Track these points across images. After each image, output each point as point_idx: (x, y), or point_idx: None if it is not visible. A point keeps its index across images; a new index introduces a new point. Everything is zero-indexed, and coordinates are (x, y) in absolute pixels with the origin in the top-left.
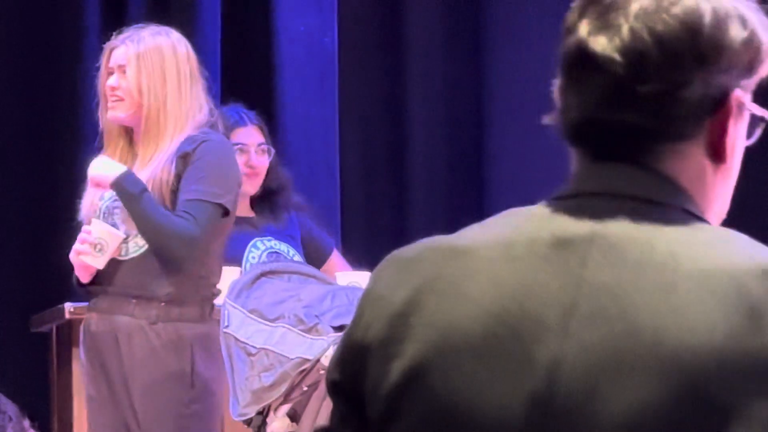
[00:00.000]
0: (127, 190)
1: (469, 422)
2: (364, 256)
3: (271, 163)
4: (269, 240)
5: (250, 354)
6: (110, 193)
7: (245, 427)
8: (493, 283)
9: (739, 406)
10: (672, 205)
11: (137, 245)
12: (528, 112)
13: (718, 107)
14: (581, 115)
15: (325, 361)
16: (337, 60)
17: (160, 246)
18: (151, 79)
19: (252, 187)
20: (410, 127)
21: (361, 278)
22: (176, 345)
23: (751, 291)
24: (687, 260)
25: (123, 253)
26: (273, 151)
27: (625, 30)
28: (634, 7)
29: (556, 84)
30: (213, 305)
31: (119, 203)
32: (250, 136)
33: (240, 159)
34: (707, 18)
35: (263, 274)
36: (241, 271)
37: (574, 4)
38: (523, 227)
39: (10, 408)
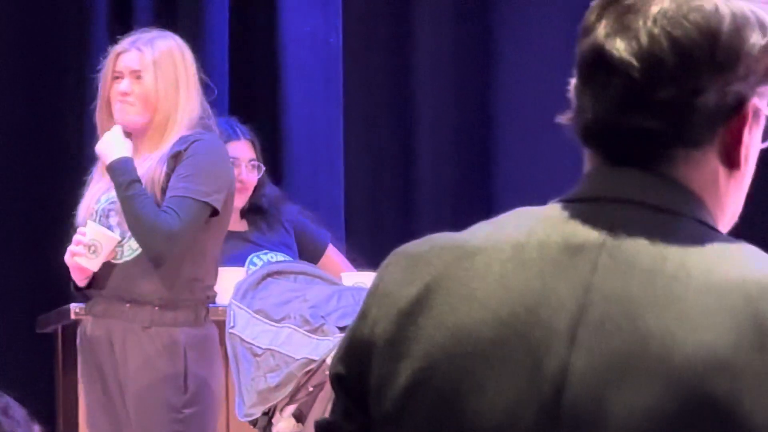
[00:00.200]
0: (117, 176)
1: (477, 428)
2: (369, 256)
3: (260, 180)
4: (265, 254)
5: (255, 354)
6: (106, 196)
7: (251, 428)
8: (502, 286)
9: (745, 420)
10: (684, 214)
11: (131, 248)
12: (535, 112)
13: (734, 114)
14: (596, 117)
15: (331, 361)
16: (342, 61)
17: (140, 238)
18: (167, 86)
19: (239, 201)
20: (416, 128)
21: (366, 279)
22: (170, 350)
23: (759, 307)
24: (697, 272)
25: (118, 256)
26: (263, 168)
27: (643, 34)
28: (653, 11)
29: (572, 83)
30: (208, 308)
31: (114, 206)
32: (242, 151)
33: None
34: (726, 24)
35: (269, 275)
36: (246, 273)
37: (593, 4)
38: (534, 229)
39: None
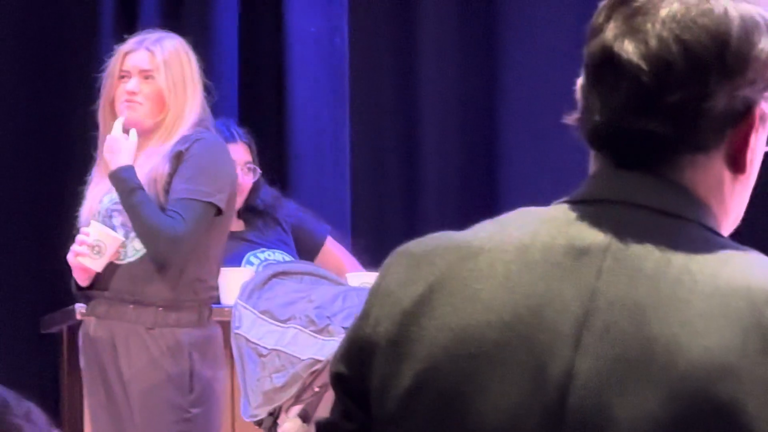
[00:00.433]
0: (120, 184)
1: (480, 429)
2: (374, 256)
3: (255, 183)
4: (262, 252)
5: (261, 355)
6: (109, 197)
7: (256, 428)
8: (506, 288)
9: (749, 426)
10: (689, 219)
11: (135, 249)
12: (540, 112)
13: (742, 119)
14: (604, 120)
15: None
16: (348, 61)
17: (147, 242)
18: (177, 85)
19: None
20: (421, 128)
21: (371, 279)
22: (174, 351)
23: (764, 313)
24: (702, 278)
25: (121, 257)
26: (259, 171)
27: (652, 37)
28: (663, 14)
29: (579, 83)
30: (211, 309)
31: (118, 206)
32: (238, 153)
33: None
34: (735, 30)
35: (275, 275)
36: (250, 272)
37: (602, 4)
38: (538, 231)
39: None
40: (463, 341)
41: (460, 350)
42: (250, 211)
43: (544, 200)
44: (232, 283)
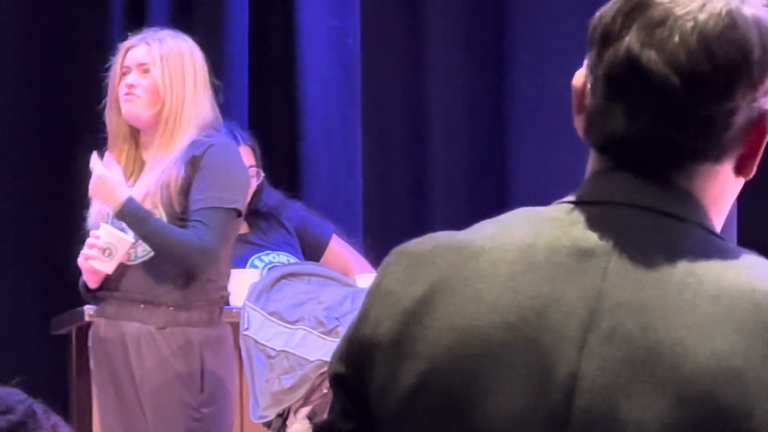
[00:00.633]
0: (131, 218)
1: (484, 430)
2: (383, 256)
3: (258, 186)
4: (267, 254)
5: (269, 356)
6: None
7: (265, 429)
8: (511, 288)
9: (755, 429)
10: (694, 222)
11: (145, 250)
12: (548, 113)
13: (755, 126)
14: (633, 131)
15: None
16: (360, 60)
17: (179, 260)
18: (173, 81)
19: None
20: (430, 129)
21: None
22: (185, 350)
23: None
24: (708, 280)
25: (131, 257)
26: (262, 174)
27: (682, 50)
28: (688, 26)
29: (580, 84)
30: (221, 308)
31: None
32: (243, 156)
33: None
34: (757, 41)
35: (283, 277)
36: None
37: (611, 7)
38: (541, 231)
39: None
40: (466, 342)
41: (464, 351)
42: (253, 214)
43: (551, 201)
44: (240, 284)
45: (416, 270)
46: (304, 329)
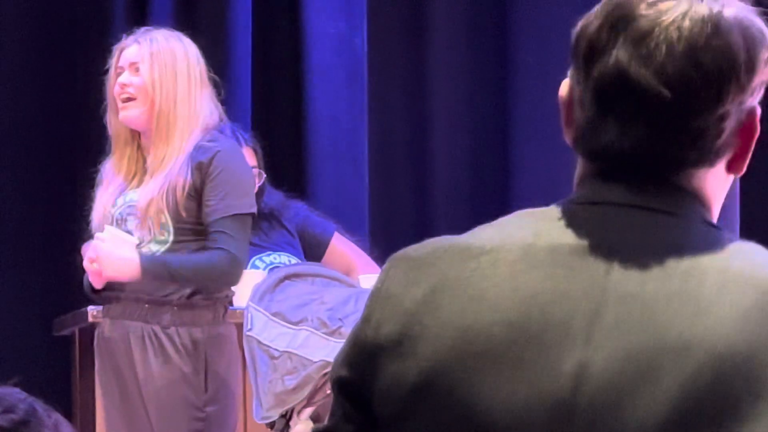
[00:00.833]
0: (155, 270)
1: (489, 424)
2: (388, 255)
3: (260, 187)
4: (268, 255)
5: (273, 357)
6: (122, 199)
7: (268, 430)
8: (513, 287)
9: (764, 412)
10: (693, 218)
11: (150, 251)
12: (552, 116)
13: (744, 126)
14: (620, 142)
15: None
16: (367, 62)
17: (214, 282)
18: (163, 78)
19: None
20: (433, 131)
21: None
22: (189, 349)
23: None
24: (711, 270)
25: None
26: (264, 175)
27: (669, 62)
28: (674, 35)
29: (567, 94)
30: (226, 308)
31: (132, 209)
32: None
33: None
34: (743, 46)
35: (286, 277)
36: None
37: (594, 17)
38: (542, 231)
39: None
40: (469, 340)
41: (467, 348)
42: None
43: (554, 202)
44: (243, 285)
45: (416, 272)
46: (308, 330)
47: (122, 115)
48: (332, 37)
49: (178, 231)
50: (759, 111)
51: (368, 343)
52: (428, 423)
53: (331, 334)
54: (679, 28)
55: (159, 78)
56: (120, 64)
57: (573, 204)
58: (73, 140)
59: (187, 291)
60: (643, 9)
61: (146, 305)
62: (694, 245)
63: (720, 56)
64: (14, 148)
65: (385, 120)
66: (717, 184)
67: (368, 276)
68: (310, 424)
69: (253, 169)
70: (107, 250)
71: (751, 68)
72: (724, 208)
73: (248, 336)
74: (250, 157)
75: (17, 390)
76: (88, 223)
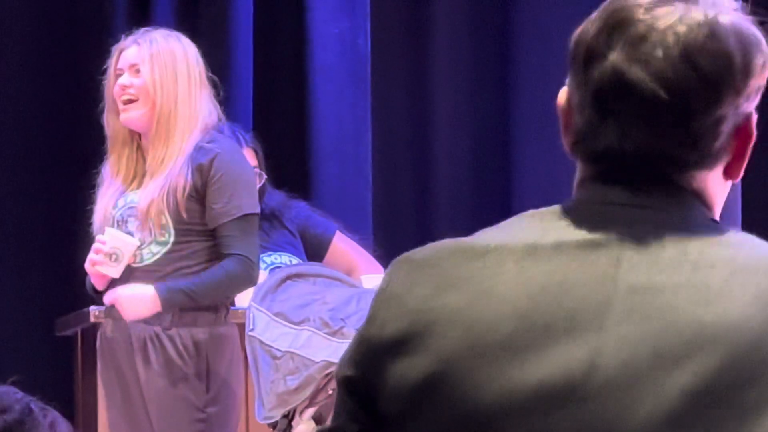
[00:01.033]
0: (174, 298)
1: (501, 415)
2: (389, 257)
3: (260, 188)
4: (269, 255)
5: (275, 357)
6: (123, 201)
7: (270, 430)
8: (520, 282)
9: None
10: (697, 215)
11: (151, 252)
12: (553, 116)
13: (740, 131)
14: (620, 145)
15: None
16: (370, 61)
17: (237, 289)
18: (164, 79)
19: None
20: (435, 132)
21: None
22: (190, 350)
23: None
24: (719, 262)
25: (138, 260)
26: (264, 176)
27: (667, 65)
28: (671, 39)
29: (565, 101)
30: (228, 308)
31: (133, 211)
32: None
33: None
34: (737, 47)
35: (288, 278)
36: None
37: (592, 24)
38: (547, 230)
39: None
40: (477, 333)
41: (475, 341)
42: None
43: (556, 203)
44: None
45: (420, 273)
46: (310, 330)
47: (123, 117)
48: (335, 37)
49: (178, 232)
50: (755, 117)
51: (374, 343)
52: (438, 417)
53: (333, 334)
54: (675, 32)
55: (159, 79)
56: (119, 65)
57: (575, 204)
58: (74, 140)
59: None
60: (640, 14)
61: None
62: (700, 239)
63: (716, 59)
64: (16, 148)
65: (387, 120)
66: (717, 187)
67: (370, 276)
68: (312, 425)
69: (255, 169)
70: (125, 294)
71: (746, 72)
72: (726, 212)
73: (250, 336)
74: (250, 157)
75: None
76: (89, 224)
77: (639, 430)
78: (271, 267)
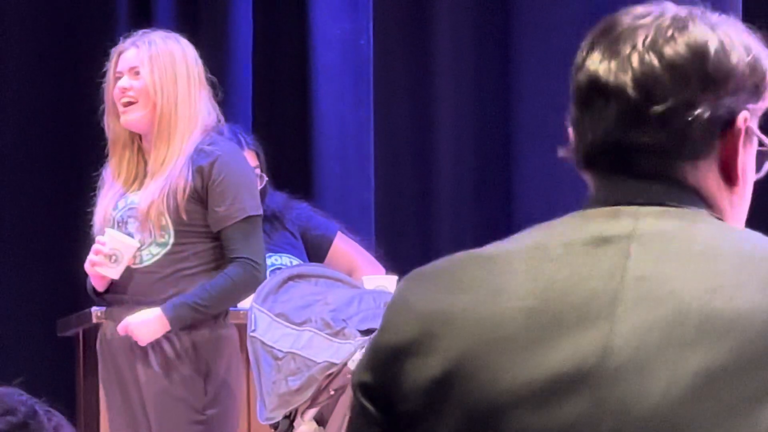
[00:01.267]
0: (182, 314)
1: (515, 403)
2: (390, 259)
3: (261, 189)
4: (269, 256)
5: (276, 358)
6: (123, 202)
7: (272, 431)
8: (530, 278)
9: None
10: (700, 209)
11: (151, 254)
12: (555, 118)
13: (728, 128)
14: (596, 139)
15: (352, 365)
16: (373, 63)
17: (247, 292)
18: (163, 80)
19: None
20: (438, 132)
21: (387, 282)
22: (189, 353)
23: None
24: (726, 250)
25: (137, 261)
26: (266, 178)
27: (635, 58)
28: (641, 37)
29: (570, 118)
30: (227, 310)
31: (133, 212)
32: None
33: None
34: (713, 44)
35: (290, 278)
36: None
37: (583, 44)
38: (555, 233)
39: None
40: (489, 328)
41: (488, 336)
42: None
43: (559, 206)
44: None
45: (431, 281)
46: (311, 331)
47: (124, 119)
48: (337, 38)
49: (178, 233)
50: (747, 115)
51: (389, 347)
52: (454, 410)
53: (335, 335)
54: (647, 29)
55: (159, 81)
56: (119, 68)
57: (582, 210)
58: (76, 141)
59: None
60: (625, 22)
61: (146, 308)
62: (706, 232)
63: (684, 48)
64: (17, 149)
65: (389, 121)
66: (714, 188)
67: (371, 277)
68: (314, 425)
69: (255, 170)
70: (134, 322)
71: (722, 63)
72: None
73: (252, 337)
74: (252, 159)
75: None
76: (91, 225)
77: (653, 411)
78: (272, 268)
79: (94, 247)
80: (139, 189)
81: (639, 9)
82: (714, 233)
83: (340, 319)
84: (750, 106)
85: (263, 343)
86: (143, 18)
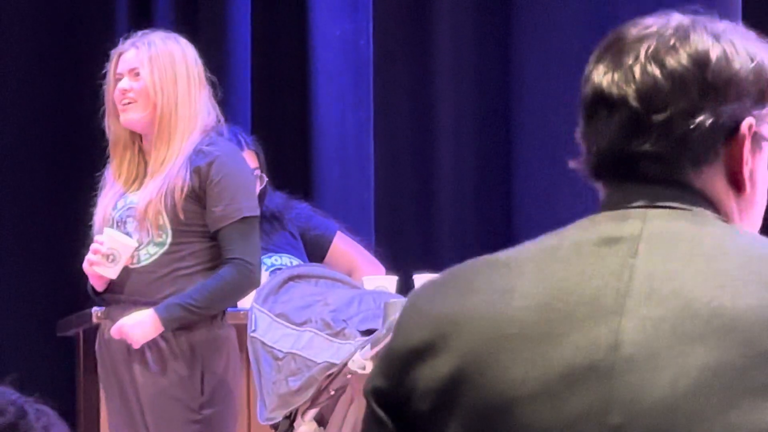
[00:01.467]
0: (175, 315)
1: (526, 399)
2: (390, 259)
3: (261, 190)
4: (269, 257)
5: (277, 358)
6: (123, 202)
7: (272, 431)
8: (539, 278)
9: None
10: (707, 212)
11: (149, 254)
12: (556, 118)
13: (732, 135)
14: (604, 148)
15: (352, 365)
16: (372, 63)
17: (242, 293)
18: (163, 81)
19: None
20: (439, 132)
21: (387, 282)
22: (186, 353)
23: None
24: (733, 251)
25: (135, 261)
26: (266, 178)
27: (637, 69)
28: (644, 48)
29: (579, 131)
30: (225, 311)
31: (132, 212)
32: (247, 160)
33: None
34: (715, 52)
35: (290, 279)
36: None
37: (591, 57)
38: (565, 236)
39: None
40: (499, 326)
41: (498, 334)
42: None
43: (559, 206)
44: None
45: (442, 286)
46: (312, 331)
47: (123, 118)
48: (337, 38)
49: (176, 233)
50: (752, 122)
51: (402, 351)
52: (465, 407)
53: (335, 335)
54: (649, 39)
55: (159, 81)
56: (119, 69)
57: (592, 215)
58: (76, 141)
59: None
60: (631, 33)
61: (145, 308)
62: (712, 233)
63: (684, 57)
64: (18, 149)
65: (389, 122)
66: (722, 194)
67: (371, 278)
68: (314, 426)
69: (255, 171)
70: (127, 324)
71: (724, 71)
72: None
73: (252, 337)
74: (251, 159)
75: (10, 390)
76: (91, 225)
77: (660, 403)
78: (272, 269)
79: (93, 246)
80: (138, 189)
81: (646, 20)
82: (720, 234)
83: (340, 320)
84: (756, 112)
85: (263, 343)
86: (143, 18)
